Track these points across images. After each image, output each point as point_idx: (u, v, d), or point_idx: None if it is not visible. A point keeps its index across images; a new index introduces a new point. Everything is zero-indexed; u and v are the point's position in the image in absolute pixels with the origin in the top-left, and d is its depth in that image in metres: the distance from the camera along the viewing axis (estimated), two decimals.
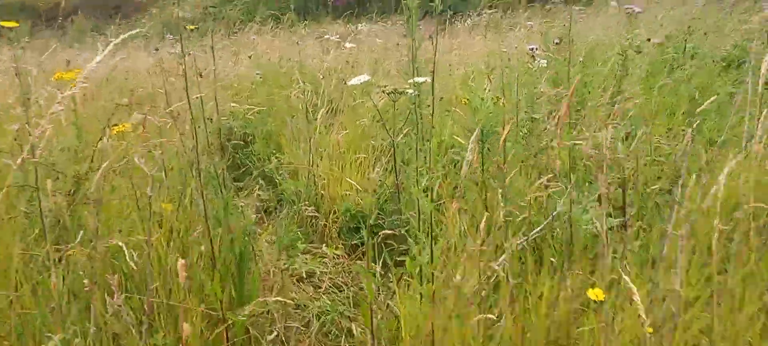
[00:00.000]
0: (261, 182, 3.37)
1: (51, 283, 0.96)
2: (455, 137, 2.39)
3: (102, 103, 3.18)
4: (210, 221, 1.50)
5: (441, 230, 1.83)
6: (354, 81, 1.95)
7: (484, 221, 1.21)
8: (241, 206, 2.10)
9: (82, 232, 1.22)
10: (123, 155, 1.56)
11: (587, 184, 1.94)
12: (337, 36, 6.67)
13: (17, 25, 1.25)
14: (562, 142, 1.55)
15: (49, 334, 1.06)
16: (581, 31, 5.47)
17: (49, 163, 1.70)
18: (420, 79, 1.97)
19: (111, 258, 1.38)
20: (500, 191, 1.67)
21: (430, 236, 1.36)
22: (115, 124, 1.56)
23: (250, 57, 4.55)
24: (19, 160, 1.20)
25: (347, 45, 4.14)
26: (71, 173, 1.46)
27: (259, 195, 3.10)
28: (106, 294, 1.13)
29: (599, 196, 1.64)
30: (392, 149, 2.15)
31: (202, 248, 1.55)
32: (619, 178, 1.89)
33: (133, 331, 1.12)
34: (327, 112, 3.33)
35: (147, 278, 1.24)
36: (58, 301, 0.99)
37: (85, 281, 1.08)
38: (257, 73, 4.28)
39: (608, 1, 7.52)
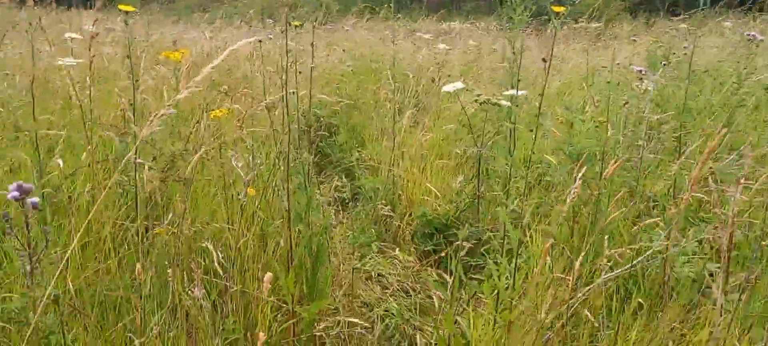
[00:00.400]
0: (341, 173, 3.41)
1: (136, 266, 0.99)
2: (545, 155, 2.28)
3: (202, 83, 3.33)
4: (292, 216, 1.51)
5: (522, 249, 1.74)
6: (448, 88, 1.90)
7: (579, 263, 1.12)
8: (321, 201, 2.11)
9: (171, 214, 1.26)
10: (218, 139, 1.61)
11: (688, 221, 1.78)
12: (430, 34, 6.62)
13: (134, 9, 1.30)
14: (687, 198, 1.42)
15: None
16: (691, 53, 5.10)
17: (150, 140, 1.78)
18: (517, 92, 1.89)
19: (193, 239, 1.42)
20: (606, 234, 1.57)
21: (514, 263, 1.30)
22: (212, 109, 1.61)
23: (343, 51, 4.60)
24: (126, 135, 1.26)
25: (440, 46, 4.09)
26: (167, 152, 1.52)
27: (337, 186, 3.13)
28: (185, 276, 1.15)
29: (702, 239, 1.50)
30: (477, 159, 2.08)
31: (282, 242, 1.57)
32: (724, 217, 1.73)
33: (207, 316, 1.14)
34: (413, 111, 3.31)
35: (227, 266, 1.26)
36: (142, 279, 1.02)
37: (169, 270, 1.11)
38: (348, 65, 4.32)
39: (722, 22, 6.96)
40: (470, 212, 2.24)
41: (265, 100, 2.12)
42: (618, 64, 3.87)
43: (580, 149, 1.60)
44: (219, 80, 3.61)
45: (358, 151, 3.29)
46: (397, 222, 2.39)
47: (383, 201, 2.56)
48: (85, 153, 1.53)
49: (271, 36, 4.65)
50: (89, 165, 1.62)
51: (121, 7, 1.26)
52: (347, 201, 3.11)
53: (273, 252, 1.62)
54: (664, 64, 3.39)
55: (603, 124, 1.63)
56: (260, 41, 2.89)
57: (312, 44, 2.98)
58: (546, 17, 1.51)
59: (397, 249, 2.30)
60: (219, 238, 1.58)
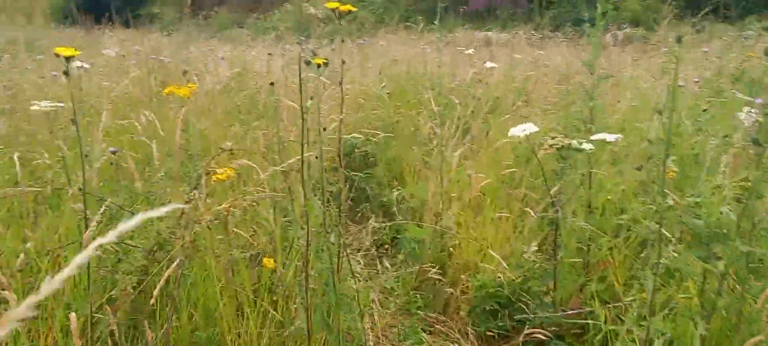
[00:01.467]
0: (378, 210, 3.02)
1: None
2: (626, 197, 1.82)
3: (221, 112, 2.98)
4: (314, 319, 1.10)
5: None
6: (516, 131, 1.47)
7: None
8: (356, 272, 1.70)
9: None
10: (217, 213, 1.21)
11: None
12: (470, 47, 6.18)
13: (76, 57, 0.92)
14: None
15: None
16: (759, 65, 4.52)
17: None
18: (606, 137, 1.44)
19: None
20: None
21: None
22: (214, 172, 1.22)
23: (379, 73, 4.20)
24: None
25: (488, 64, 3.64)
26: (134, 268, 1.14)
27: (375, 228, 2.73)
28: None
29: None
30: (554, 223, 1.63)
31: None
32: None
33: None
34: (462, 145, 2.88)
35: None
36: None
37: None
38: (383, 87, 3.91)
39: None
40: (542, 279, 1.79)
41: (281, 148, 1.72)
42: (696, 81, 3.36)
43: (712, 226, 1.14)
44: (241, 105, 3.27)
45: (398, 189, 2.88)
46: (450, 289, 1.95)
47: (429, 260, 2.13)
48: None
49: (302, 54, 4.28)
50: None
51: (65, 54, 0.88)
52: (386, 245, 2.71)
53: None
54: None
55: (746, 191, 1.17)
56: (272, 56, 2.51)
57: (343, 62, 2.59)
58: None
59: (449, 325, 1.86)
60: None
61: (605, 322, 1.56)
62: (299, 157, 1.22)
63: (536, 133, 1.53)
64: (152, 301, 0.99)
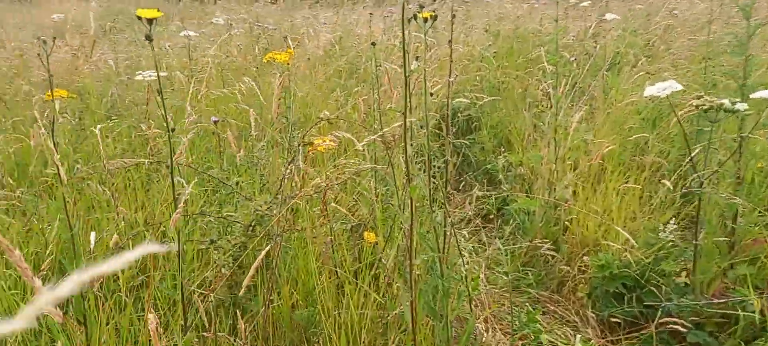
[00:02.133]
0: (482, 179, 2.86)
1: None
2: None
3: (322, 77, 2.93)
4: (419, 305, 0.99)
5: None
6: (653, 90, 1.25)
7: None
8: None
9: None
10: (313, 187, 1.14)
11: None
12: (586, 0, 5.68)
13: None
14: None
15: None
16: None
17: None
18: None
19: None
20: None
21: None
22: (310, 143, 1.14)
23: (485, 31, 3.96)
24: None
25: (608, 16, 3.28)
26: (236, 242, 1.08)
27: (479, 196, 2.57)
28: None
29: None
30: (698, 197, 1.40)
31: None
32: None
33: None
34: (574, 102, 2.62)
35: None
36: None
37: None
38: (489, 46, 3.67)
39: None
40: (674, 257, 1.56)
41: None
42: None
43: None
44: (342, 69, 3.20)
45: (504, 155, 2.70)
46: (566, 267, 1.77)
47: (541, 234, 1.95)
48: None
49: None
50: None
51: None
52: (491, 217, 2.55)
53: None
54: None
55: None
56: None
57: (453, 15, 2.41)
58: None
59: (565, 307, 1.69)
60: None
61: (761, 312, 1.33)
62: (400, 123, 1.11)
63: (676, 92, 1.30)
64: (248, 279, 0.94)
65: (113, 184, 1.59)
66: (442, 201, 1.04)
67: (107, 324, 1.07)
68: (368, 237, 1.45)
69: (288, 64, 1.79)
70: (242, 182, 1.26)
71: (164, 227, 1.26)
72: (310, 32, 3.82)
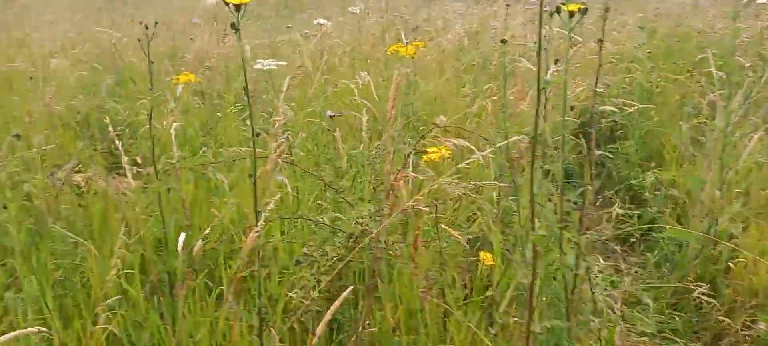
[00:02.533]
0: (624, 195, 2.54)
1: None
2: None
3: (451, 72, 2.78)
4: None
5: None
6: None
7: None
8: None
9: None
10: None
11: None
12: None
13: None
14: None
15: None
16: None
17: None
18: None
19: None
20: None
21: None
22: (424, 151, 1.01)
23: (640, 29, 3.53)
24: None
25: None
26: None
27: (619, 215, 2.27)
28: None
29: None
30: None
31: None
32: None
33: None
34: (747, 118, 2.20)
35: None
36: None
37: None
38: (643, 45, 3.26)
39: None
40: None
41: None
42: None
43: None
44: (474, 64, 3.02)
45: (654, 171, 2.36)
46: (724, 318, 1.47)
47: (694, 272, 1.64)
48: None
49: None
50: None
51: None
52: (632, 242, 2.24)
53: None
54: None
55: None
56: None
57: (606, 9, 2.10)
58: None
59: None
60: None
61: None
62: (525, 137, 0.93)
63: None
64: (340, 300, 0.83)
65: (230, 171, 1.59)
66: (576, 239, 0.85)
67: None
68: (485, 258, 1.29)
69: (413, 57, 1.67)
70: (348, 186, 1.17)
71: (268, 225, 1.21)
72: (441, 24, 3.67)
